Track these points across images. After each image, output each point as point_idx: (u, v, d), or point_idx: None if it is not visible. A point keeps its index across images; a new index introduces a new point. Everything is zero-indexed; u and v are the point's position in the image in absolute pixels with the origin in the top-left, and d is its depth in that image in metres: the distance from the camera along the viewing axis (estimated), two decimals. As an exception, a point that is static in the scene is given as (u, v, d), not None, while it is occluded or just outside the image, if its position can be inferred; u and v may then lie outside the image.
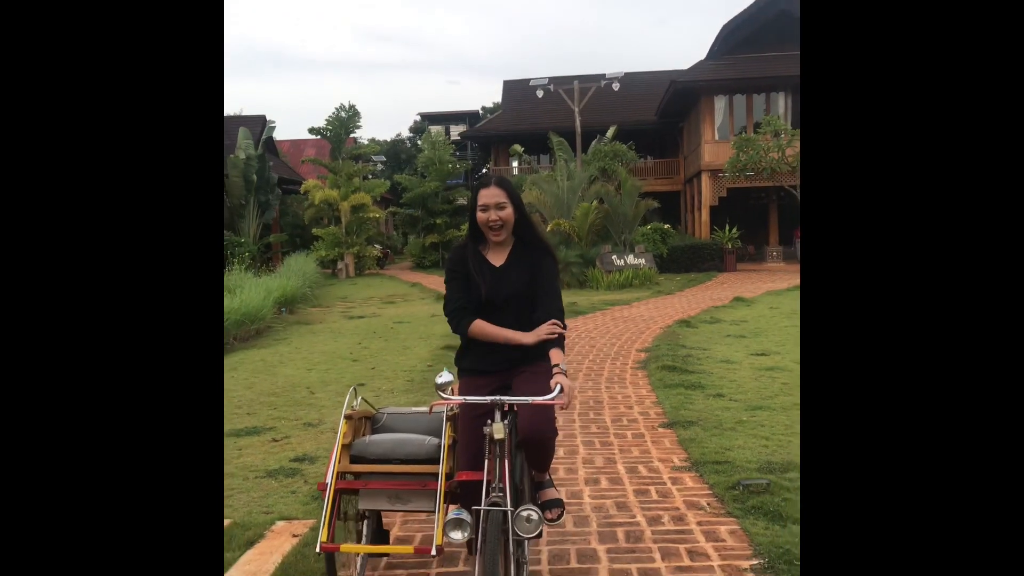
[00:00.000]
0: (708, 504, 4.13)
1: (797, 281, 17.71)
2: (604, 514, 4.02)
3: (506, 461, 2.58)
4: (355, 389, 3.25)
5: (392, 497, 2.94)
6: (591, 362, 8.77)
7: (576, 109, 23.86)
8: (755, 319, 12.21)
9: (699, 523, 3.86)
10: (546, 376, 2.72)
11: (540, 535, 2.61)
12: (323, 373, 8.58)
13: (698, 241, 24.58)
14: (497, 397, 2.63)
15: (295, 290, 15.29)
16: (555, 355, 2.79)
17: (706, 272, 22.51)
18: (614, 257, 19.75)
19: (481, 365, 2.94)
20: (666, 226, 23.57)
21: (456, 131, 43.30)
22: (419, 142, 38.18)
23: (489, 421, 2.60)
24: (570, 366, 8.53)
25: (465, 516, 2.47)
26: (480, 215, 2.91)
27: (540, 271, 2.94)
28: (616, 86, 24.50)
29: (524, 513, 2.44)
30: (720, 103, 25.29)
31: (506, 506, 2.48)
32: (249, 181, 24.35)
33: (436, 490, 2.82)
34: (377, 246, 27.41)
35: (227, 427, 6.18)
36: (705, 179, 24.81)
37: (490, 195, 2.90)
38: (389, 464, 2.93)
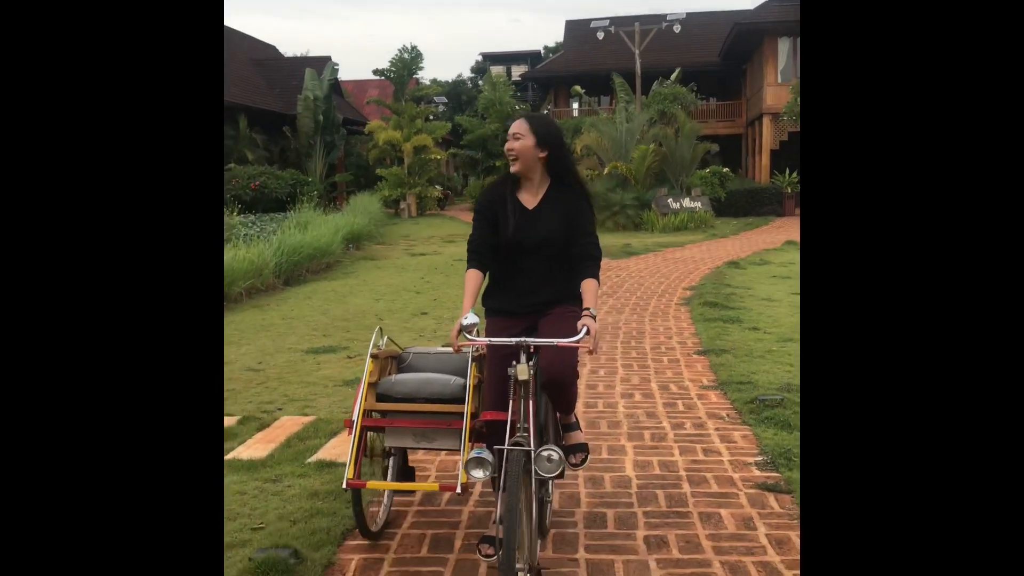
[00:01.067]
0: (727, 415, 4.71)
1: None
2: (635, 420, 4.64)
3: (531, 402, 2.58)
4: (380, 329, 3.26)
5: (418, 435, 2.98)
6: (638, 298, 9.31)
7: (636, 51, 23.82)
8: (804, 262, 12.50)
9: (716, 429, 4.45)
10: (573, 318, 2.71)
11: (562, 475, 2.66)
12: (389, 303, 9.33)
13: (757, 185, 24.56)
14: (522, 339, 2.59)
15: (361, 228, 16.09)
16: (588, 296, 2.77)
17: (764, 216, 22.58)
18: (670, 200, 20.01)
19: (509, 306, 2.91)
20: (725, 169, 23.59)
21: (517, 72, 43.26)
22: (480, 83, 38.41)
23: (514, 362, 2.57)
24: (618, 301, 9.10)
25: (486, 455, 2.48)
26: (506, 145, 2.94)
27: (576, 215, 2.88)
28: (677, 28, 24.33)
29: (545, 453, 2.48)
30: (784, 45, 24.89)
31: (529, 446, 2.49)
32: (316, 122, 25.12)
33: (461, 429, 2.86)
34: (438, 187, 28.06)
35: (306, 345, 6.98)
36: (766, 122, 24.63)
37: (512, 127, 2.90)
38: (415, 403, 2.96)
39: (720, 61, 29.59)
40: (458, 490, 2.74)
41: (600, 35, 24.91)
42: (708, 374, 5.72)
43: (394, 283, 11.03)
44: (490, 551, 2.50)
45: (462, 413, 2.87)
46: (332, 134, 25.98)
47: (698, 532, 3.18)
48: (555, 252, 2.87)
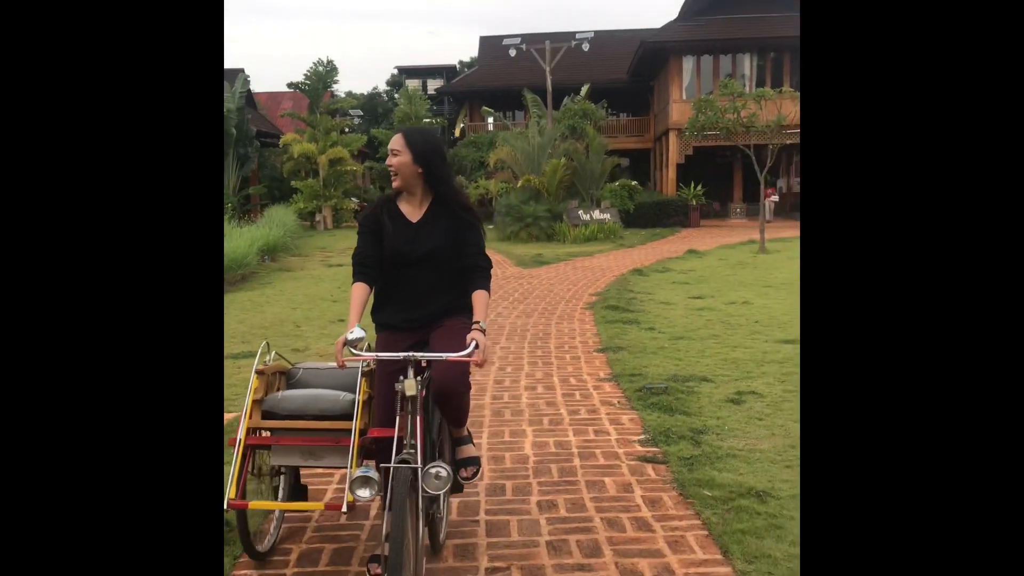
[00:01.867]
0: (618, 402, 5.25)
1: (751, 236, 18.88)
2: (535, 409, 5.11)
3: (418, 418, 2.53)
4: (267, 344, 3.16)
5: (305, 453, 2.88)
6: (546, 304, 9.85)
7: (547, 68, 24.61)
8: (702, 269, 13.34)
9: (607, 414, 4.97)
10: (463, 332, 2.69)
11: (455, 490, 2.72)
12: (307, 311, 9.59)
13: (664, 197, 25.65)
14: (410, 353, 2.52)
15: (277, 239, 16.18)
16: (478, 309, 2.78)
17: (671, 227, 23.63)
18: (580, 212, 20.77)
19: (396, 320, 2.86)
20: (633, 183, 24.58)
21: (433, 85, 43.70)
22: (396, 96, 38.64)
23: (401, 377, 2.51)
24: (527, 307, 9.61)
25: (372, 473, 2.40)
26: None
27: (461, 229, 2.87)
28: (586, 47, 25.24)
29: (433, 470, 2.42)
30: (688, 63, 26.17)
31: (416, 463, 2.44)
32: (229, 134, 24.92)
33: (349, 446, 2.78)
34: (354, 199, 28.16)
35: (226, 351, 7.20)
36: (672, 137, 25.77)
37: (391, 142, 2.87)
38: (302, 420, 2.87)
39: (628, 78, 30.75)
40: (343, 509, 2.65)
41: (512, 52, 25.63)
42: (605, 368, 6.26)
43: (311, 292, 11.26)
44: (378, 570, 2.47)
45: (350, 430, 2.80)
46: (246, 146, 25.82)
47: (583, 496, 3.66)
48: (441, 264, 2.85)
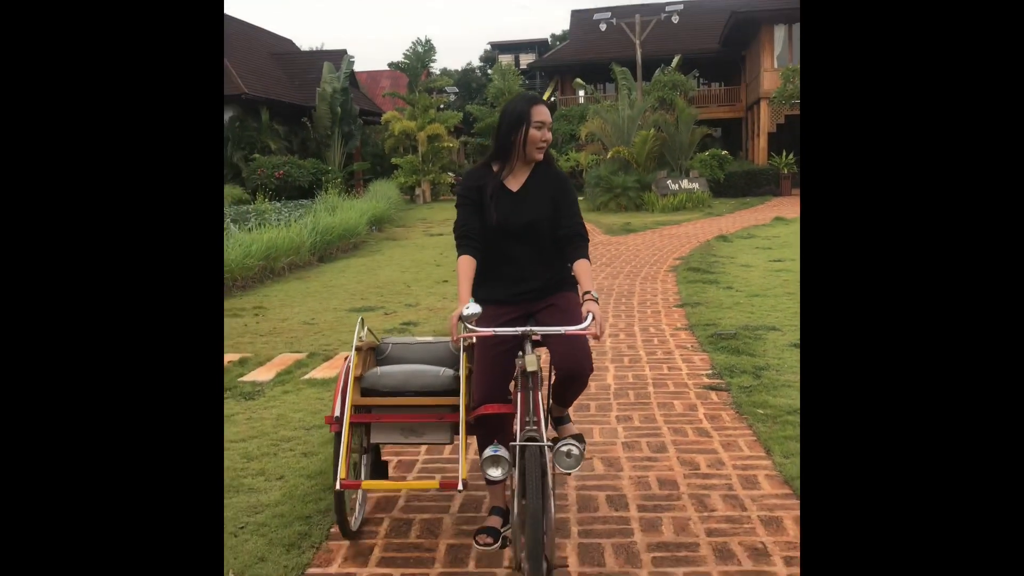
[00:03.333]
0: (691, 346, 5.98)
1: (842, 204, 18.86)
2: (617, 352, 5.91)
3: (539, 394, 2.44)
4: (362, 320, 3.12)
5: (405, 430, 2.84)
6: (632, 267, 10.56)
7: (637, 41, 24.92)
8: (787, 235, 13.70)
9: (681, 355, 5.72)
10: (576, 307, 2.65)
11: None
12: (415, 274, 10.62)
13: (754, 167, 25.66)
14: (528, 328, 2.46)
15: (383, 211, 17.38)
16: (585, 279, 2.68)
17: (761, 196, 23.70)
18: (669, 182, 21.18)
19: (500, 295, 2.76)
20: (723, 152, 24.69)
21: (525, 60, 44.33)
22: (489, 72, 39.54)
23: (521, 352, 2.46)
24: (613, 270, 10.35)
25: (503, 452, 2.31)
26: (535, 133, 2.70)
27: (561, 196, 2.79)
28: (676, 19, 25.40)
29: (564, 448, 2.27)
30: (780, 32, 25.92)
31: (543, 440, 2.35)
32: (335, 113, 26.44)
33: (452, 422, 2.79)
34: (451, 173, 29.29)
35: (348, 306, 8.28)
36: (764, 106, 25.69)
37: (545, 114, 2.73)
38: (403, 396, 2.82)
39: (719, 48, 30.60)
40: (460, 487, 2.56)
41: (603, 26, 26.06)
42: (682, 320, 6.98)
43: (416, 258, 12.32)
44: (488, 540, 2.53)
45: (453, 406, 2.77)
46: (350, 124, 27.27)
47: (654, 412, 4.44)
48: (543, 235, 2.77)
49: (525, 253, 2.77)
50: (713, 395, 4.74)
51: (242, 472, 3.68)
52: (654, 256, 11.63)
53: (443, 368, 2.88)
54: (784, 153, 24.66)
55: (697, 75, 28.27)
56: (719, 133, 31.01)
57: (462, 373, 2.79)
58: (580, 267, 2.74)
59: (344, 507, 2.83)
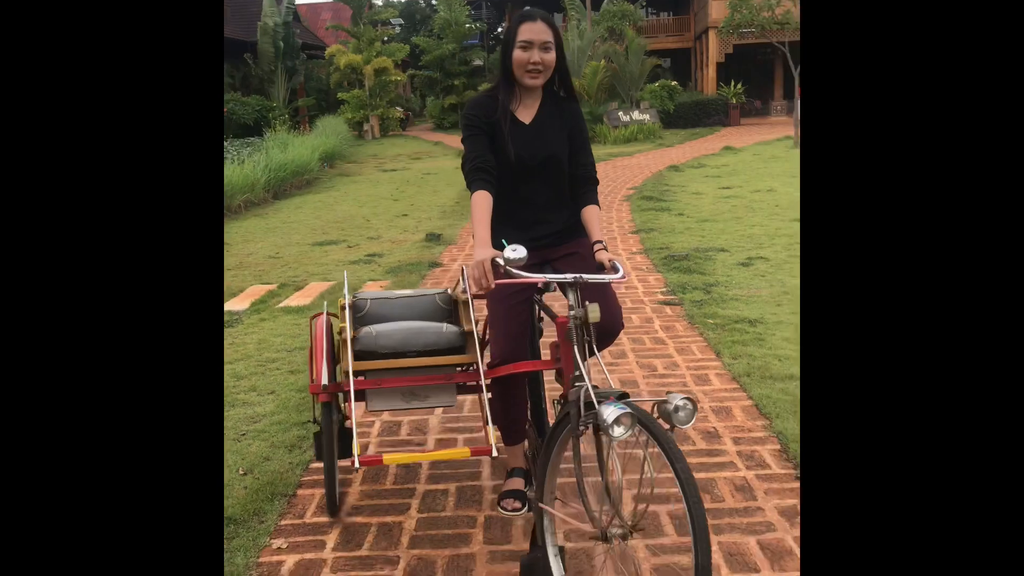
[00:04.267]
0: (646, 267, 6.32)
1: (788, 132, 19.37)
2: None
3: (594, 347, 2.08)
4: (345, 273, 3.00)
5: (407, 395, 2.55)
6: (587, 196, 10.85)
7: (586, -31, 24.70)
8: (736, 164, 14.10)
9: (637, 276, 6.05)
10: (589, 255, 2.39)
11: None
12: (372, 208, 10.74)
13: (704, 97, 25.91)
14: (579, 275, 2.07)
15: (334, 147, 17.27)
16: (596, 227, 2.42)
17: (711, 127, 24.05)
18: (620, 113, 21.37)
19: (519, 240, 2.25)
20: (673, 83, 24.88)
21: (471, -10, 43.42)
22: (435, 2, 38.72)
23: (585, 303, 2.05)
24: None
25: (629, 408, 1.88)
26: (520, 54, 2.37)
27: (577, 130, 2.51)
28: (624, -54, 25.17)
29: (680, 401, 1.90)
30: (728, -41, 25.93)
31: (597, 400, 1.94)
32: (277, 48, 25.78)
33: (458, 383, 2.58)
34: (399, 108, 28.96)
35: (311, 240, 8.41)
36: (712, 36, 25.83)
37: (536, 31, 2.36)
38: (405, 357, 2.52)
39: (668, -24, 30.48)
40: (494, 453, 2.32)
41: (551, -46, 25.65)
42: (637, 245, 7.31)
43: (372, 194, 12.40)
44: (517, 504, 2.39)
45: (462, 365, 2.55)
46: (293, 59, 26.66)
47: (615, 326, 4.78)
48: (560, 174, 2.47)
49: (541, 193, 2.46)
50: (667, 309, 5.09)
51: (235, 389, 3.92)
52: (608, 187, 11.91)
53: (444, 324, 2.61)
54: (733, 83, 24.95)
55: (645, 4, 28.16)
56: (669, 64, 31.11)
57: (475, 326, 2.58)
58: (591, 213, 2.46)
59: (335, 484, 2.62)
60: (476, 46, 35.24)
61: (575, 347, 2.07)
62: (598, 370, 2.26)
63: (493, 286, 2.13)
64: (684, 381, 3.80)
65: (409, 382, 2.51)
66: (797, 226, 7.71)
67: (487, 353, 2.54)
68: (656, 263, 6.43)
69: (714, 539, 2.47)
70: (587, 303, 2.05)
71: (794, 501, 2.67)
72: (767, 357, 4.05)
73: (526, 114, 2.47)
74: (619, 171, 14.02)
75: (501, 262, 2.09)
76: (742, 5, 17.14)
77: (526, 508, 2.43)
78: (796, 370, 3.82)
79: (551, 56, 2.39)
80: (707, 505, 2.60)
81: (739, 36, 19.41)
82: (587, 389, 1.99)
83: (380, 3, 34.42)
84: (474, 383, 2.57)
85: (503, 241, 2.15)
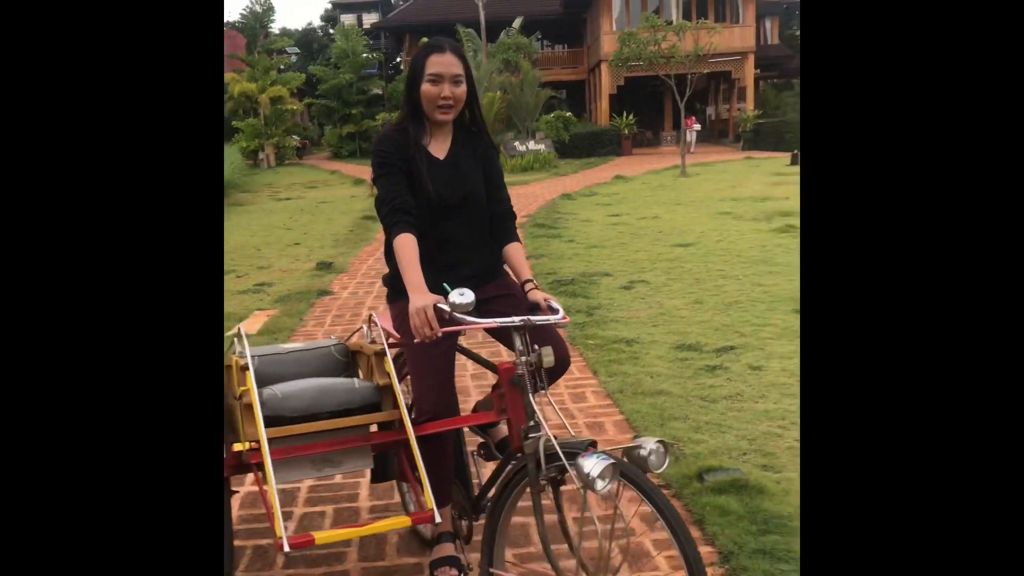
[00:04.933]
0: (533, 292, 6.51)
1: (675, 162, 20.22)
2: (467, 299, 6.35)
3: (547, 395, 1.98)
4: (241, 328, 2.42)
5: (319, 462, 2.27)
6: (481, 224, 11.04)
7: (480, 3, 25.23)
8: (625, 192, 14.64)
9: (524, 300, 6.23)
10: (520, 295, 2.26)
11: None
12: (264, 237, 10.59)
13: (598, 128, 26.78)
14: (528, 317, 1.97)
15: (227, 177, 16.92)
16: (525, 265, 2.32)
17: (604, 156, 24.84)
18: (516, 143, 21.82)
19: (431, 284, 2.09)
20: (568, 114, 25.61)
21: (369, 20, 43.54)
22: (332, 31, 38.60)
23: (535, 347, 1.94)
24: (464, 227, 10.77)
25: (609, 460, 1.78)
26: (429, 88, 2.21)
27: (490, 164, 2.38)
28: (518, -19, 25.90)
29: (652, 446, 1.83)
30: (617, -4, 27.04)
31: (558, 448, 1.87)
32: (167, 74, 25.11)
33: (378, 444, 2.33)
34: (295, 137, 28.61)
35: (198, 271, 8.23)
36: (604, 69, 26.76)
37: (446, 64, 2.20)
38: (316, 420, 2.23)
39: (562, 10, 31.43)
40: (437, 519, 2.12)
41: (446, -14, 26.13)
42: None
43: (265, 223, 12.22)
44: (454, 572, 2.20)
45: (378, 424, 2.33)
46: (184, 86, 26.01)
47: (500, 349, 4.91)
48: (479, 212, 2.33)
49: (462, 233, 2.30)
50: (551, 332, 5.27)
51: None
52: (502, 214, 12.15)
53: (354, 379, 2.37)
54: (625, 114, 25.88)
55: (540, 37, 28.94)
56: (564, 95, 31.99)
57: (393, 381, 2.28)
58: (515, 251, 2.35)
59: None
60: (374, 75, 35.30)
61: (528, 395, 1.95)
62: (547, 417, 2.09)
63: (440, 334, 1.97)
64: (562, 399, 3.96)
65: (322, 447, 2.24)
66: (676, 251, 8.10)
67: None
68: (543, 288, 6.62)
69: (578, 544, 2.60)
70: (539, 347, 1.93)
71: (650, 508, 2.79)
72: (640, 374, 4.26)
73: (439, 149, 2.32)
74: (515, 199, 14.03)
75: (446, 308, 1.93)
76: (630, 40, 17.90)
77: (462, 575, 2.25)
78: (665, 385, 4.05)
79: (462, 90, 2.24)
80: (573, 514, 2.69)
81: (629, 69, 20.21)
82: (547, 440, 1.89)
83: (276, 32, 34.03)
84: (392, 443, 2.34)
85: (444, 285, 2.01)
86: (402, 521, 2.18)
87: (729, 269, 7.09)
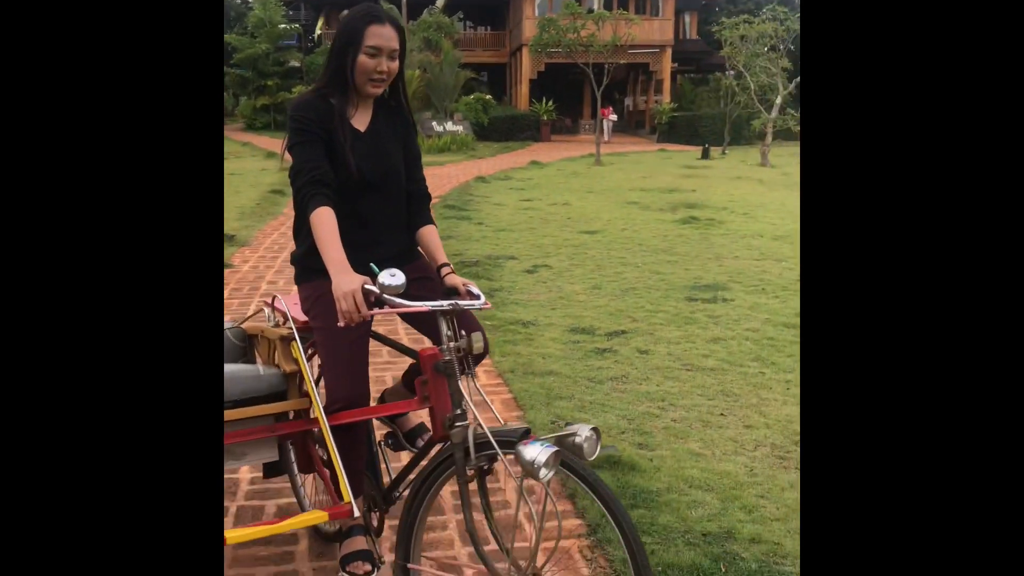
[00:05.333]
0: (437, 272, 6.56)
1: (591, 150, 20.51)
2: (370, 278, 6.35)
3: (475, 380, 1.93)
4: None
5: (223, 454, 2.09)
6: (393, 203, 10.99)
7: (403, -22, 24.89)
8: (540, 178, 14.79)
9: (427, 280, 6.27)
10: (436, 278, 2.18)
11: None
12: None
13: (517, 112, 26.88)
14: (455, 302, 1.89)
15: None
16: (440, 249, 2.23)
17: (522, 141, 24.98)
18: (434, 124, 21.71)
19: (353, 264, 1.95)
20: (487, 97, 25.61)
21: (288, -11, 42.30)
22: (249, 0, 37.35)
23: (463, 332, 1.88)
24: (375, 206, 10.70)
25: (550, 448, 1.70)
26: (366, 60, 2.08)
27: (410, 141, 2.29)
28: (441, -41, 25.66)
29: (587, 433, 1.78)
30: (540, -20, 27.13)
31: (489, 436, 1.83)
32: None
33: (286, 434, 2.24)
34: (207, 106, 27.59)
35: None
36: (525, 53, 26.84)
37: (386, 37, 2.08)
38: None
39: (486, -8, 31.35)
40: (356, 513, 1.99)
41: (368, -40, 25.64)
42: (433, 251, 7.55)
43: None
44: (367, 567, 2.09)
45: (284, 413, 2.20)
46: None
47: (398, 326, 4.94)
48: (398, 189, 2.22)
49: (379, 211, 2.18)
50: (451, 312, 5.33)
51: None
52: (414, 194, 12.11)
53: (259, 366, 2.24)
54: (544, 100, 26.06)
55: (463, 18, 28.77)
56: (485, 77, 31.93)
57: (304, 367, 2.15)
58: (430, 234, 2.26)
59: None
60: (292, 47, 34.39)
61: (456, 382, 1.87)
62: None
63: (368, 317, 1.85)
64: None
65: (230, 439, 2.08)
66: (582, 237, 8.27)
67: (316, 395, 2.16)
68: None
69: (452, 516, 2.68)
70: (468, 333, 1.86)
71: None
72: (532, 355, 4.36)
73: (360, 122, 2.18)
74: (429, 180, 13.73)
75: (375, 290, 1.82)
76: (550, 26, 18.01)
77: (376, 570, 2.12)
78: (556, 366, 4.17)
79: (396, 64, 2.12)
80: (451, 488, 2.76)
81: (549, 55, 20.36)
82: (477, 428, 1.83)
83: (189, -6, 32.59)
84: (298, 433, 2.23)
85: (372, 266, 1.89)
86: (319, 516, 1.96)
87: (630, 257, 7.29)
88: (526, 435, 1.79)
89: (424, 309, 1.87)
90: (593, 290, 5.98)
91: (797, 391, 3.84)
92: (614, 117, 27.58)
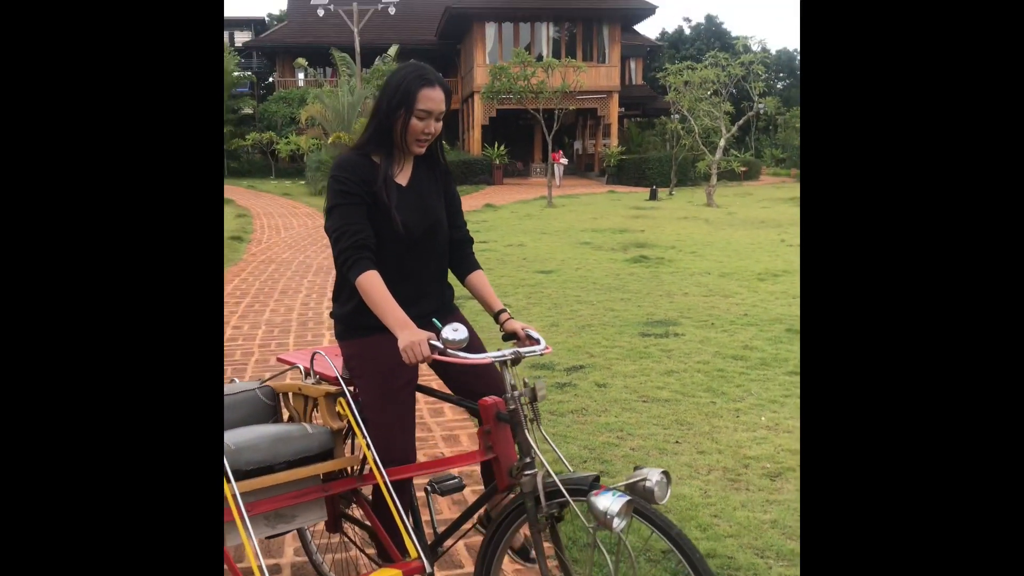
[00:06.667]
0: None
1: (543, 193, 20.94)
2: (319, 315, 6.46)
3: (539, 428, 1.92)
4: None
5: (273, 518, 2.07)
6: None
7: (355, 29, 25.32)
8: (494, 220, 15.08)
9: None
10: (471, 329, 2.12)
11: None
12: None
13: (470, 157, 27.31)
14: (516, 350, 1.92)
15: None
16: (492, 294, 2.25)
17: (476, 185, 25.37)
18: (389, 169, 21.93)
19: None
20: (441, 142, 25.94)
21: (241, 38, 42.52)
22: (200, 48, 37.35)
23: (525, 381, 1.92)
24: (325, 248, 10.81)
25: (622, 498, 1.69)
26: (417, 123, 2.08)
27: (451, 191, 2.30)
28: (392, 10, 26.30)
29: (657, 477, 1.76)
30: (491, 29, 27.82)
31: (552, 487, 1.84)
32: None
33: (335, 494, 2.19)
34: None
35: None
36: (477, 100, 27.37)
37: (436, 100, 2.09)
38: (273, 473, 2.02)
39: (437, 40, 31.95)
40: (428, 569, 1.96)
41: (320, 11, 26.10)
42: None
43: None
44: None
45: (332, 473, 2.17)
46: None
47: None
48: (441, 241, 2.24)
49: (424, 265, 2.19)
50: (414, 353, 5.48)
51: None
52: (372, 238, 12.28)
53: (306, 425, 2.17)
54: (496, 145, 26.54)
55: (415, 66, 29.28)
56: (437, 123, 32.28)
57: (352, 421, 2.10)
58: (481, 280, 2.29)
59: None
60: (245, 95, 34.53)
61: (523, 431, 1.88)
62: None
63: (431, 359, 1.89)
64: (422, 414, 4.18)
65: (280, 503, 2.02)
66: (538, 277, 8.51)
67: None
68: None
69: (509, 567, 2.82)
70: (534, 381, 1.90)
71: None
72: (496, 392, 4.54)
73: (403, 177, 2.20)
74: None
75: (439, 345, 1.85)
76: (501, 74, 18.50)
77: None
78: (518, 401, 4.34)
79: (440, 124, 2.14)
80: (425, 517, 2.86)
81: (500, 102, 20.85)
82: (545, 476, 1.83)
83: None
84: (351, 491, 2.20)
85: (435, 321, 1.96)
86: (393, 574, 1.91)
87: (584, 295, 7.54)
88: (596, 482, 1.79)
89: (487, 361, 1.90)
90: (551, 327, 6.19)
91: (747, 419, 4.08)
92: (564, 161, 28.18)
